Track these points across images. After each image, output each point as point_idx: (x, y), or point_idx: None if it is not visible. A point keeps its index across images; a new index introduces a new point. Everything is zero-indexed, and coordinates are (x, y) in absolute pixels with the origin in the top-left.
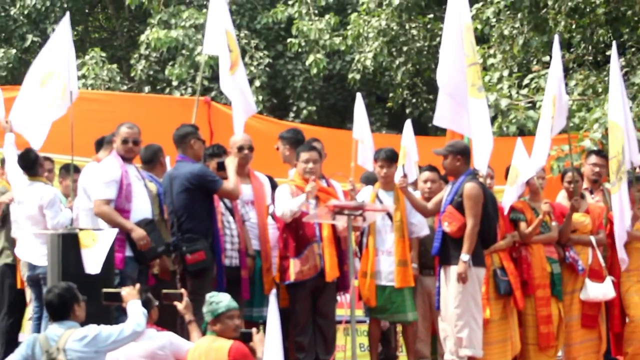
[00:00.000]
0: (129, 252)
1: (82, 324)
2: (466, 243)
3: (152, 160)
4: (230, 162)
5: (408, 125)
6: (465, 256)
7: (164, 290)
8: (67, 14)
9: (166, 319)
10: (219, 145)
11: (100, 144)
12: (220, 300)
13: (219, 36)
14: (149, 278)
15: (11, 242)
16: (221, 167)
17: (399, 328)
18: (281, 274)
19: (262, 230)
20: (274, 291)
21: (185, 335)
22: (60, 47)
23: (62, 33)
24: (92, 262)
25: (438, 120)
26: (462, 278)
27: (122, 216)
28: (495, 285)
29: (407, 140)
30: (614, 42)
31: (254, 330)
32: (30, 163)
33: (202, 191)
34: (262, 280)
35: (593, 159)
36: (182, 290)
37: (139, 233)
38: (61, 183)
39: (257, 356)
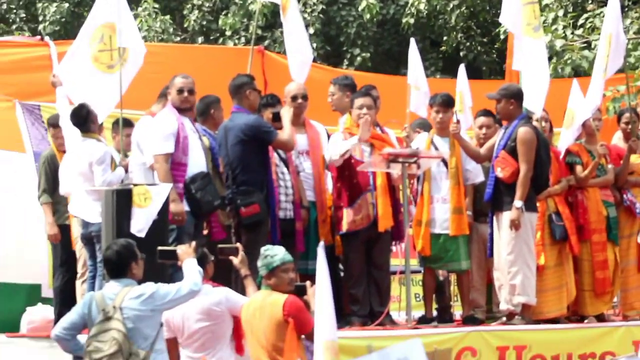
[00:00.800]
0: (185, 207)
1: (139, 282)
2: (519, 189)
3: (204, 113)
4: (286, 113)
5: (462, 70)
6: (518, 202)
7: (220, 245)
8: None
9: (221, 273)
10: (273, 95)
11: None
12: (275, 253)
13: None
14: (220, 230)
15: (62, 203)
16: (276, 117)
17: (453, 277)
18: (335, 224)
19: (317, 180)
20: (321, 244)
21: (241, 290)
22: (110, 1)
23: None
24: (140, 223)
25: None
26: (515, 225)
27: (180, 169)
28: (551, 230)
29: (462, 86)
30: None
31: (308, 283)
32: (82, 119)
33: (257, 143)
34: (318, 232)
35: None
36: (238, 245)
37: (178, 208)
38: (114, 138)
39: (311, 309)
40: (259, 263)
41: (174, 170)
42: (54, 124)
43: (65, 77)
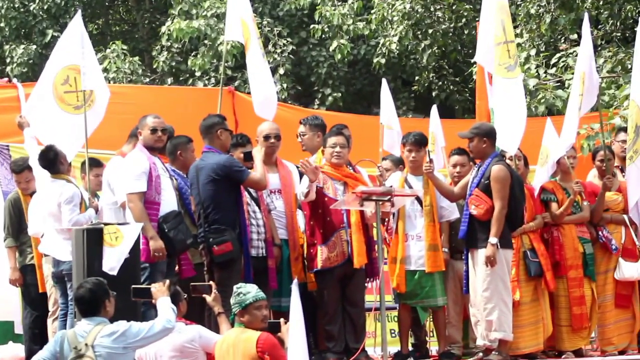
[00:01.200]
0: None
1: (111, 320)
2: (494, 226)
3: (172, 154)
4: (257, 152)
5: (434, 111)
6: (493, 239)
7: (193, 283)
8: (79, 11)
9: (195, 311)
10: (243, 134)
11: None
12: (247, 291)
13: (238, 23)
14: (189, 268)
15: (27, 243)
16: (248, 157)
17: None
18: (309, 262)
19: (289, 219)
20: (295, 281)
21: (214, 327)
22: (74, 44)
23: (75, 30)
24: (112, 262)
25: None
26: (491, 261)
27: (153, 208)
28: (526, 267)
29: (435, 126)
30: None
31: (282, 320)
32: (50, 161)
33: (229, 182)
34: (290, 270)
35: (622, 135)
36: (211, 283)
37: (158, 244)
38: (83, 178)
39: (285, 346)
40: (232, 300)
41: (147, 209)
42: (15, 170)
43: (32, 118)
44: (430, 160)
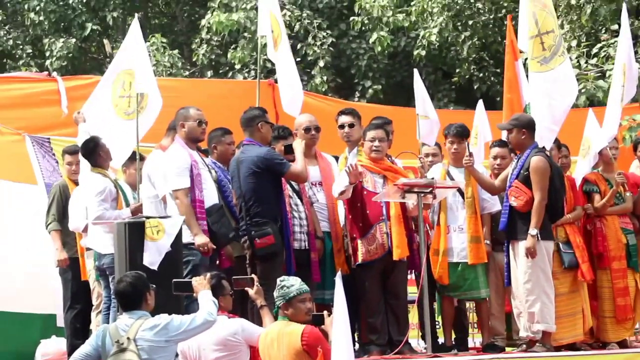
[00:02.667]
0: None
1: (152, 313)
2: (534, 217)
3: (208, 147)
4: (298, 145)
5: (480, 105)
6: (533, 230)
7: (235, 277)
8: (137, 16)
9: (237, 304)
10: (285, 127)
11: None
12: (291, 284)
13: (268, 17)
14: (224, 261)
15: (71, 235)
16: (288, 149)
17: (469, 305)
18: (352, 255)
19: (331, 211)
20: (339, 274)
21: (257, 320)
22: (132, 49)
23: (133, 34)
24: (153, 256)
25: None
26: (531, 253)
27: (197, 206)
28: (560, 258)
29: (480, 120)
30: None
31: (325, 313)
32: (90, 151)
33: (270, 174)
34: (334, 262)
35: None
36: (253, 276)
37: (203, 240)
38: (124, 172)
39: (329, 339)
40: (276, 294)
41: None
42: (69, 151)
43: (89, 117)
44: (470, 154)
